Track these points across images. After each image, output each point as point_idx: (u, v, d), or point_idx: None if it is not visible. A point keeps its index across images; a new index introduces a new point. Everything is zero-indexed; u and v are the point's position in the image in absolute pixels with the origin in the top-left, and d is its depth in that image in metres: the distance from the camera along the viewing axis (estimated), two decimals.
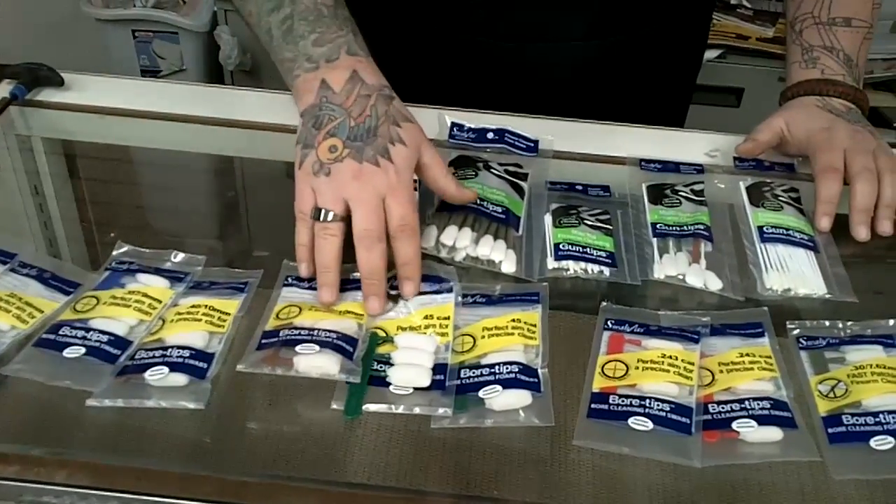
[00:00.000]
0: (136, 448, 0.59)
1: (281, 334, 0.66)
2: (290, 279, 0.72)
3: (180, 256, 0.75)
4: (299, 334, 0.65)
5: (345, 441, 0.60)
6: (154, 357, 0.64)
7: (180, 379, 0.63)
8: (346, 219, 0.69)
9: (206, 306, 0.69)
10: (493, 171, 0.85)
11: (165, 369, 0.63)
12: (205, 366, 0.64)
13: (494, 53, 0.96)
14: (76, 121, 0.94)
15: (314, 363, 0.63)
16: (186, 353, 0.64)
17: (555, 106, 0.97)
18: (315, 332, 0.65)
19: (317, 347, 0.64)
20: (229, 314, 0.69)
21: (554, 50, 0.95)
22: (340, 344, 0.64)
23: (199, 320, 0.68)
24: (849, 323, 0.71)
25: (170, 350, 0.65)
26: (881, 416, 0.62)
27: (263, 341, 0.65)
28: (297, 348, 0.64)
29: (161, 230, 0.78)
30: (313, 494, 0.58)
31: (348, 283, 0.71)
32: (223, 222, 0.87)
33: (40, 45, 2.32)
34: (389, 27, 0.97)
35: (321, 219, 0.69)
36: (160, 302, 0.70)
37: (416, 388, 0.64)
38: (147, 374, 0.63)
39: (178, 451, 0.60)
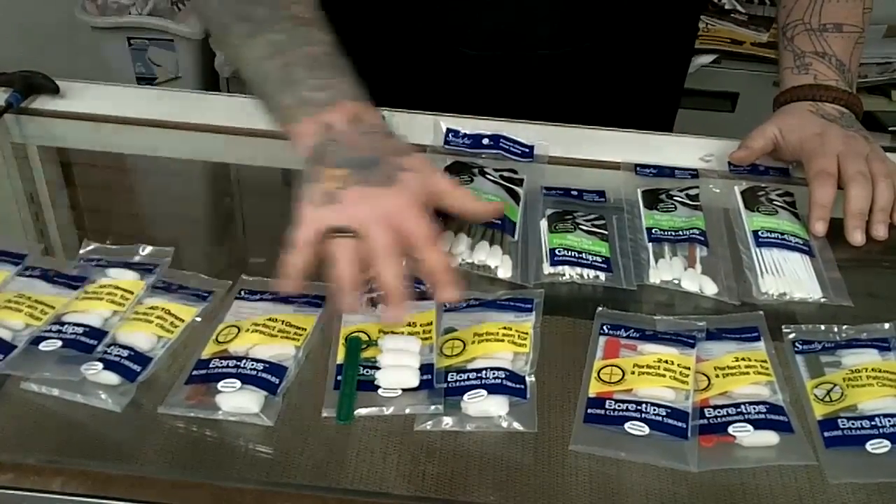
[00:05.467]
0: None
1: (212, 364, 0.65)
2: (242, 292, 0.72)
3: (148, 249, 0.76)
4: (227, 366, 0.64)
5: (337, 447, 0.60)
6: (98, 352, 0.65)
7: (112, 378, 0.63)
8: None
9: (161, 309, 0.69)
10: (488, 176, 0.85)
11: (99, 365, 0.63)
12: (138, 368, 0.64)
13: (467, 61, 0.95)
14: (72, 128, 0.94)
15: (234, 402, 0.62)
16: (125, 352, 0.65)
17: (532, 113, 0.97)
18: (243, 363, 0.65)
19: (238, 384, 0.63)
20: (183, 321, 0.69)
21: (525, 58, 0.95)
22: (265, 377, 0.64)
23: (151, 322, 0.68)
24: (844, 327, 0.71)
25: (112, 348, 0.65)
26: (877, 419, 0.62)
27: (194, 373, 0.65)
28: (220, 385, 0.63)
29: (156, 238, 0.78)
30: (307, 500, 0.58)
31: (296, 297, 0.71)
32: (219, 229, 0.87)
33: (35, 53, 2.31)
34: (367, 36, 0.98)
35: (333, 235, 0.65)
36: (132, 293, 0.71)
37: (404, 390, 0.64)
38: (83, 367, 0.63)
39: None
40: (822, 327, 0.72)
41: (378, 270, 0.65)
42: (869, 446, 0.61)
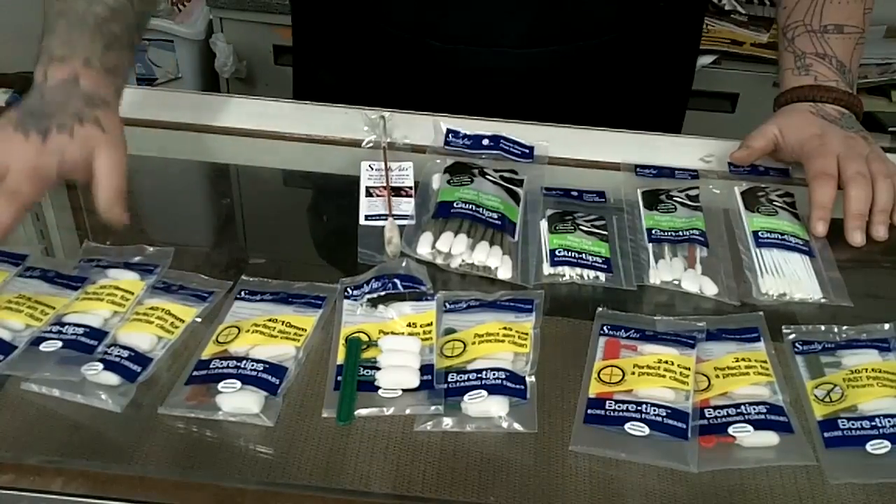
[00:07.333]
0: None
1: (212, 365, 0.65)
2: (243, 293, 0.72)
3: (148, 250, 0.76)
4: (227, 367, 0.64)
5: (337, 448, 0.60)
6: (98, 353, 0.65)
7: (112, 378, 0.63)
8: None
9: (162, 309, 0.69)
10: (488, 177, 0.85)
11: (100, 366, 0.63)
12: (138, 369, 0.64)
13: (433, 55, 0.95)
14: None
15: (234, 402, 0.62)
16: (125, 353, 0.65)
17: (537, 114, 0.97)
18: (243, 363, 0.65)
19: (238, 384, 0.63)
20: (183, 321, 0.69)
21: (490, 55, 0.95)
22: (265, 378, 0.64)
23: (151, 323, 0.68)
24: (844, 327, 0.71)
25: (112, 348, 0.65)
26: (877, 420, 0.62)
27: (194, 373, 0.65)
28: (220, 385, 0.63)
29: (156, 238, 0.78)
30: (307, 500, 0.58)
31: (296, 297, 0.71)
32: (219, 229, 0.87)
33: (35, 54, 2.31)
34: (336, 29, 0.97)
35: None
36: (132, 294, 0.71)
37: (404, 390, 0.64)
38: (83, 368, 0.63)
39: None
40: (822, 328, 0.72)
41: None
42: (869, 447, 0.61)
